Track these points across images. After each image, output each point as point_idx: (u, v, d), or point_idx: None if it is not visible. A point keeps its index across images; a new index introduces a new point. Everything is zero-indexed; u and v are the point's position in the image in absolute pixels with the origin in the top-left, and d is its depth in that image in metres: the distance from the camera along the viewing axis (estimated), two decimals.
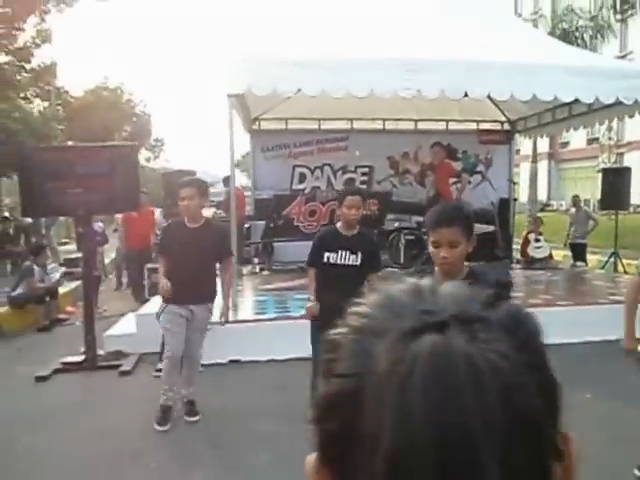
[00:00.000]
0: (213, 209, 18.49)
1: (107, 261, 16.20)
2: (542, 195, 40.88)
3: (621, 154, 45.73)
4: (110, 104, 35.43)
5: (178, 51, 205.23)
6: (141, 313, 8.76)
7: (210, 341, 6.45)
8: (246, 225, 13.57)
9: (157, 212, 14.02)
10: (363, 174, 14.77)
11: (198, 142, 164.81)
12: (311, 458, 0.63)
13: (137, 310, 9.38)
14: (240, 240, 10.66)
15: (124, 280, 14.55)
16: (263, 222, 14.06)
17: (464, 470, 0.51)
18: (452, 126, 15.14)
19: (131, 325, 8.80)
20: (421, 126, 14.87)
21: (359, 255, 5.43)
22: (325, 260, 5.47)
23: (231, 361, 7.77)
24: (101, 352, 8.32)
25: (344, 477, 0.58)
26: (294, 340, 6.73)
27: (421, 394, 0.53)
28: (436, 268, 3.19)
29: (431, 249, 3.17)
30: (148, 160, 41.76)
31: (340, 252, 5.45)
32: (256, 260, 13.70)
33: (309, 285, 5.70)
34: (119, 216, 13.05)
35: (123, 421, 6.18)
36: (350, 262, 5.44)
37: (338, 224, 5.62)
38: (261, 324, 8.31)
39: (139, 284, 11.78)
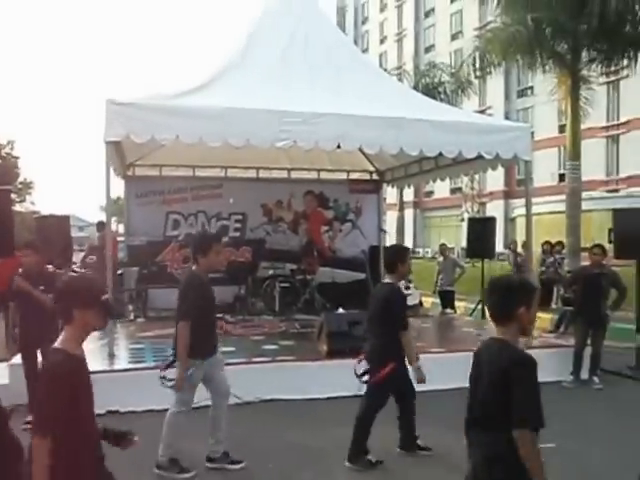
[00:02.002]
0: (82, 254, 17.93)
1: None
2: (408, 242, 42.13)
3: (483, 204, 47.90)
4: None
5: (49, 93, 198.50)
6: (14, 363, 8.37)
7: None
8: (119, 271, 13.34)
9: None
10: (237, 221, 14.97)
11: (67, 185, 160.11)
12: None
13: (9, 360, 8.92)
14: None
15: None
16: (136, 269, 13.86)
17: None
18: (323, 175, 15.62)
19: (2, 376, 8.38)
20: (294, 175, 15.28)
21: None
22: None
23: (109, 412, 7.16)
24: None
25: None
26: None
27: None
28: None
29: None
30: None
31: None
32: (130, 307, 13.46)
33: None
34: None
35: None
36: None
37: None
38: (139, 373, 8.05)
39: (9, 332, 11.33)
